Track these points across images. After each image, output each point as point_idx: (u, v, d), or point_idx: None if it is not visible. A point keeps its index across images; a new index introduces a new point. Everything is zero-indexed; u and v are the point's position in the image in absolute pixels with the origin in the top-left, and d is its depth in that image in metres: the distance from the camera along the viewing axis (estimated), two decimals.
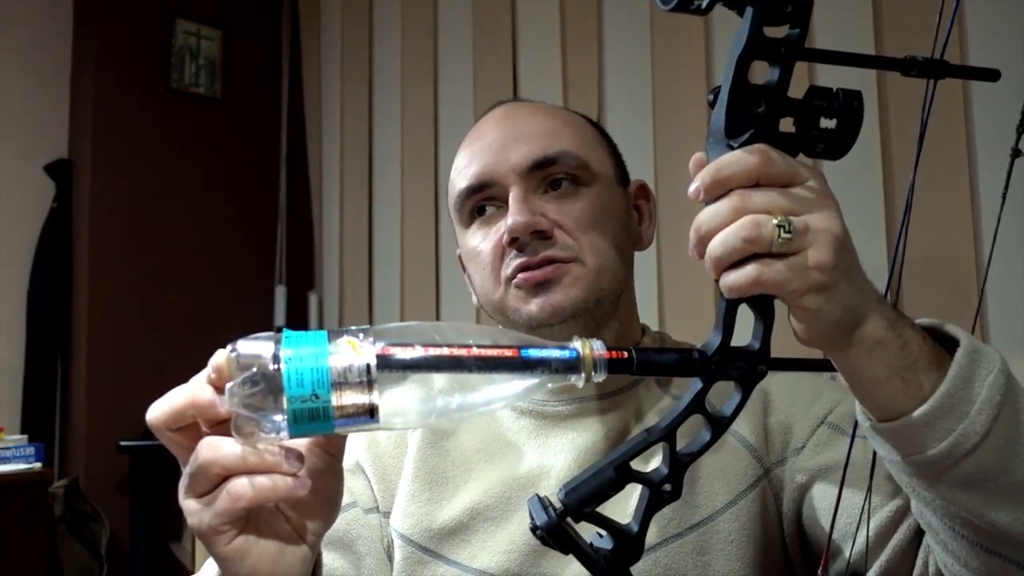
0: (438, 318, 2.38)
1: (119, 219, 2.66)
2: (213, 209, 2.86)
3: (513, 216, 0.72)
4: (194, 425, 0.47)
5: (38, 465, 2.27)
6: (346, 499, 0.76)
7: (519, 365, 0.44)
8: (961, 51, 1.27)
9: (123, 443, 2.46)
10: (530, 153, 0.75)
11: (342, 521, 0.74)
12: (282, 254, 3.03)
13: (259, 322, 2.91)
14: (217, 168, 2.89)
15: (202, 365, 0.50)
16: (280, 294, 2.97)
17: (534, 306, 0.73)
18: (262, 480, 0.45)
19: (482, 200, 0.77)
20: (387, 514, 0.77)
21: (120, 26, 2.70)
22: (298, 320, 2.97)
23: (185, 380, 0.48)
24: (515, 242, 0.73)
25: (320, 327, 3.00)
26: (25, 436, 2.37)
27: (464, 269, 0.84)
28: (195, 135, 2.84)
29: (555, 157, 0.75)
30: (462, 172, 0.79)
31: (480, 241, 0.77)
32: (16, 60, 2.64)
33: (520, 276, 0.73)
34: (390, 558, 0.76)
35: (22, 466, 2.24)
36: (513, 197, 0.74)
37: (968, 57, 1.27)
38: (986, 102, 1.27)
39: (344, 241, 2.80)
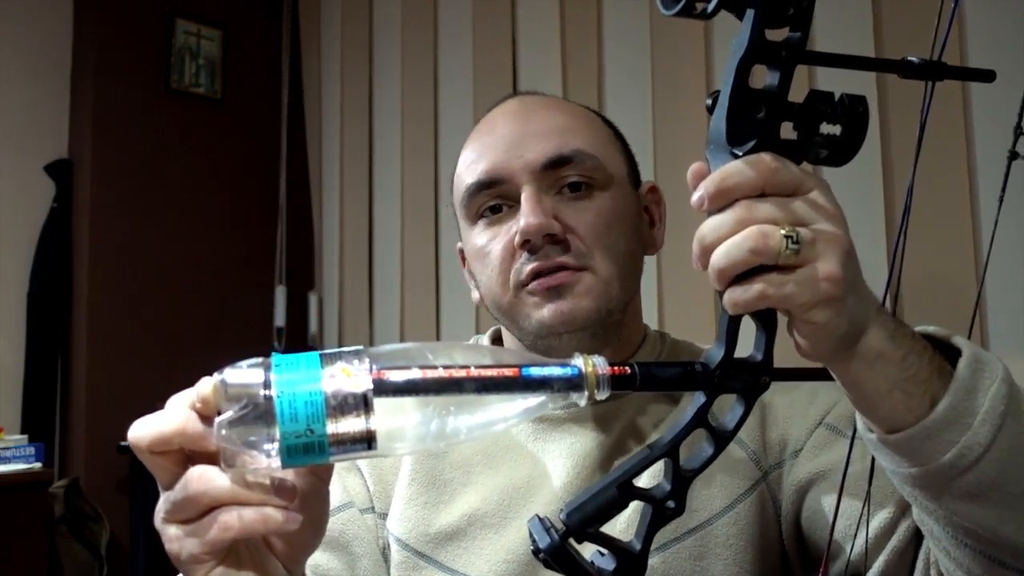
0: (438, 318, 2.38)
1: (119, 219, 2.65)
2: (213, 209, 2.85)
3: (526, 218, 0.69)
4: (178, 449, 0.45)
5: (38, 465, 2.26)
6: (342, 499, 0.75)
7: (520, 385, 0.42)
8: (961, 53, 1.27)
9: (123, 443, 2.45)
10: (545, 151, 0.72)
11: (338, 521, 0.73)
12: (282, 254, 3.02)
13: (259, 322, 2.91)
14: (217, 168, 2.88)
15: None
16: (280, 294, 2.96)
17: (547, 312, 0.70)
18: (252, 514, 0.43)
19: (492, 198, 0.74)
20: (383, 515, 0.76)
21: (120, 26, 2.70)
22: (298, 320, 2.96)
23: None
24: (527, 244, 0.70)
25: (320, 327, 2.96)
26: (25, 436, 2.37)
27: (464, 263, 0.82)
28: (195, 135, 2.83)
29: (570, 156, 0.72)
30: (470, 167, 0.75)
31: (488, 241, 0.74)
32: (16, 60, 2.63)
33: (534, 283, 0.71)
34: (387, 560, 0.74)
35: (22, 466, 2.23)
36: (526, 197, 0.71)
37: (967, 59, 1.27)
38: (986, 105, 1.27)
39: (344, 241, 2.80)
